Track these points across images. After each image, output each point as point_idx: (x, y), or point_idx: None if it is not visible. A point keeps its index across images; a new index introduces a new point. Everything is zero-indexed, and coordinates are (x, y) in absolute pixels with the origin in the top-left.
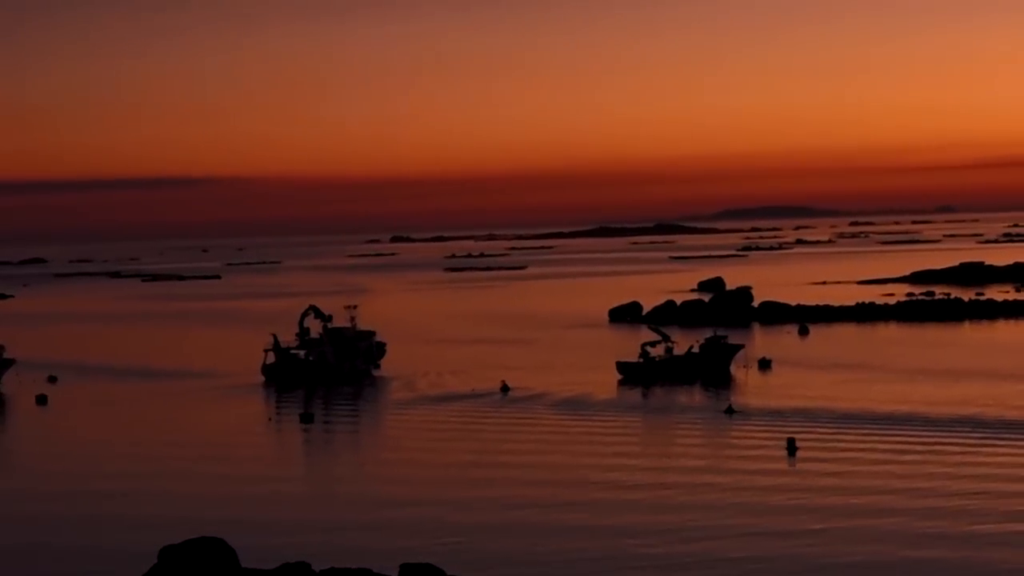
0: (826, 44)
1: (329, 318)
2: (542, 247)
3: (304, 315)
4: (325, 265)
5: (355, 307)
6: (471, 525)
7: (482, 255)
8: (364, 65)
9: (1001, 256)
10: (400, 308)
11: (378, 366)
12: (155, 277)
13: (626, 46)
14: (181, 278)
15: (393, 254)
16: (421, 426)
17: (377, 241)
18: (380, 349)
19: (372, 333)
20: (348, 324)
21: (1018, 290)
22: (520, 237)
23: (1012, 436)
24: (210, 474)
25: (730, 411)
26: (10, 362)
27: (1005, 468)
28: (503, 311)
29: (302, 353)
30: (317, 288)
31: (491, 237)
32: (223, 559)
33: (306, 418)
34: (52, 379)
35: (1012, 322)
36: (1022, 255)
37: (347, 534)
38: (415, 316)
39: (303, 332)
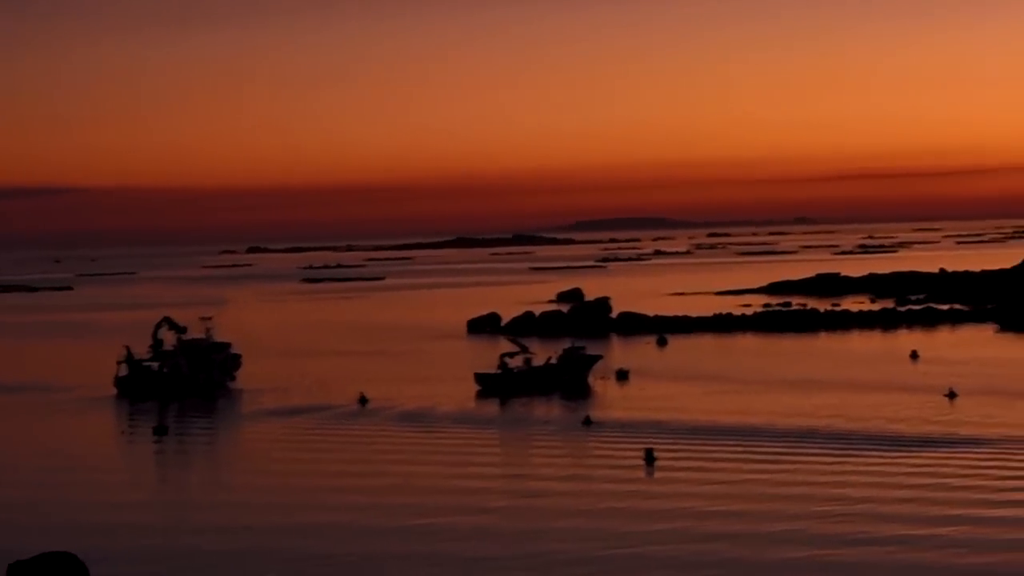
0: (682, 57)
1: (184, 330)
2: (400, 258)
3: (158, 327)
4: (180, 276)
5: (210, 318)
6: (321, 545)
7: (339, 266)
8: (221, 76)
9: (856, 267)
10: (256, 319)
11: (234, 378)
12: (3, 288)
13: (482, 59)
14: (31, 289)
15: (249, 265)
16: (276, 439)
17: (233, 252)
18: (236, 361)
19: (228, 345)
20: (203, 336)
21: (873, 301)
22: (378, 248)
23: (865, 447)
24: (60, 486)
25: (588, 422)
26: None
27: (859, 476)
28: (361, 322)
29: (156, 365)
30: (172, 299)
31: (349, 248)
32: (74, 574)
33: (159, 431)
34: None
35: (866, 332)
36: (877, 266)
37: (201, 548)
38: (272, 327)
39: (157, 344)
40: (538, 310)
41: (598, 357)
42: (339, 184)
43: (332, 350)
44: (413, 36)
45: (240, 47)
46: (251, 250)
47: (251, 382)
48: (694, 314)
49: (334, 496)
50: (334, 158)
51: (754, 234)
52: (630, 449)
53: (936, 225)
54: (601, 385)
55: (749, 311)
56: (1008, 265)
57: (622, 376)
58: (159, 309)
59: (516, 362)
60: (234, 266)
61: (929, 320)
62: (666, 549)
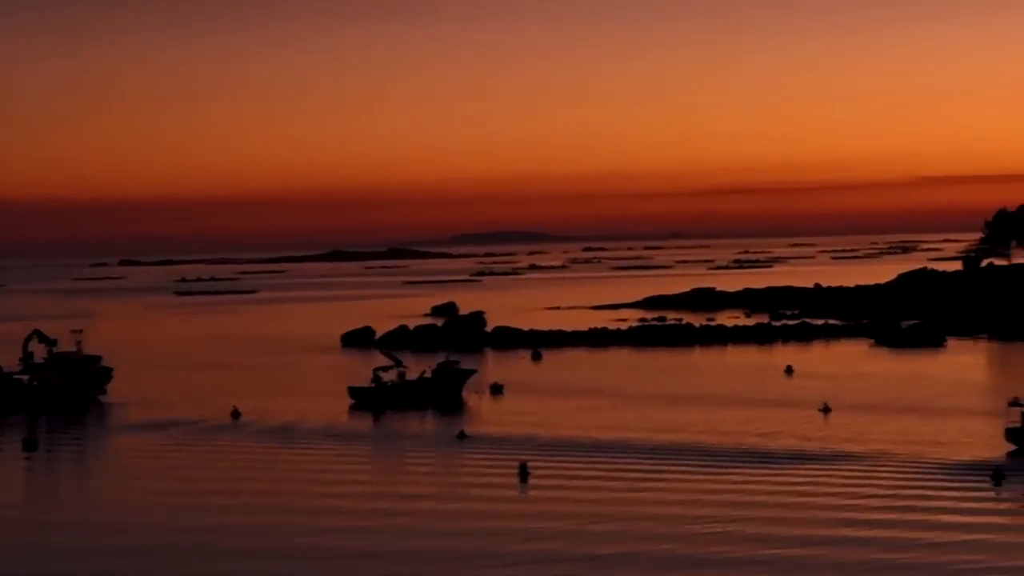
0: (557, 71)
1: (54, 342)
2: (274, 271)
3: (28, 339)
4: (50, 289)
5: (81, 331)
6: (188, 567)
7: (212, 279)
8: (92, 89)
9: (731, 282)
10: (129, 332)
11: (104, 391)
12: None
13: (357, 72)
14: None
15: (121, 278)
16: (147, 454)
17: (105, 264)
18: (107, 374)
19: (99, 358)
20: (74, 349)
21: (748, 316)
22: (251, 261)
23: (740, 463)
24: None
25: (462, 436)
26: None
27: (732, 494)
28: (234, 335)
29: (25, 378)
30: (42, 312)
31: (222, 261)
32: None
33: (29, 444)
34: None
35: (741, 347)
36: (752, 281)
37: (67, 564)
38: (144, 340)
39: (27, 357)
40: (412, 324)
41: (472, 371)
42: (212, 197)
43: (205, 363)
44: (286, 49)
45: (110, 60)
46: (123, 263)
47: (122, 396)
48: (569, 328)
49: (201, 516)
50: (207, 171)
51: (629, 248)
52: (504, 464)
53: (811, 240)
54: (475, 399)
55: (624, 326)
56: (882, 280)
57: (496, 390)
58: (29, 322)
59: (390, 376)
60: (106, 279)
61: (804, 335)
62: (538, 570)
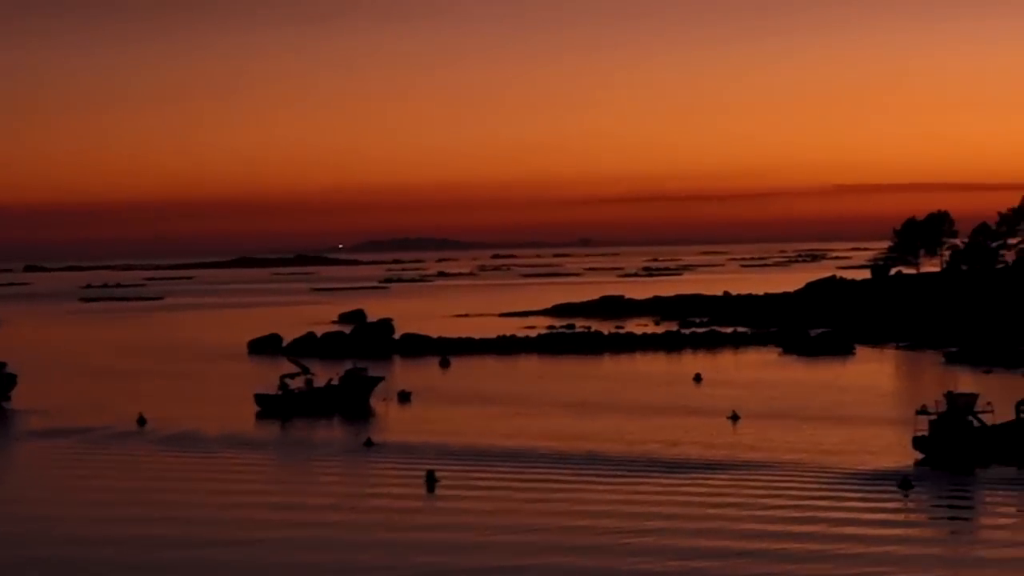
0: (466, 79)
1: None
2: (181, 277)
3: None
4: None
5: None
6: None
7: (119, 285)
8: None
9: (641, 290)
10: (33, 339)
11: (8, 398)
12: None
13: (266, 78)
14: None
15: (26, 284)
16: (50, 462)
17: (9, 271)
18: (10, 380)
19: (3, 364)
20: None
21: (657, 324)
22: (157, 267)
23: (647, 471)
24: None
25: (369, 444)
26: None
27: (639, 504)
28: (141, 342)
29: None
30: None
31: (128, 267)
32: None
33: None
34: None
35: (650, 355)
36: (661, 289)
37: None
38: (49, 347)
39: None
40: (320, 331)
41: (380, 379)
42: (119, 203)
43: (111, 370)
44: (186, 56)
45: (7, 66)
46: (28, 268)
47: (26, 402)
48: (478, 336)
49: (98, 527)
50: (114, 177)
51: (538, 256)
52: (411, 472)
53: (721, 248)
54: (383, 407)
55: (533, 333)
56: (791, 289)
57: (404, 398)
58: None
59: (297, 383)
60: (10, 284)
61: (713, 343)
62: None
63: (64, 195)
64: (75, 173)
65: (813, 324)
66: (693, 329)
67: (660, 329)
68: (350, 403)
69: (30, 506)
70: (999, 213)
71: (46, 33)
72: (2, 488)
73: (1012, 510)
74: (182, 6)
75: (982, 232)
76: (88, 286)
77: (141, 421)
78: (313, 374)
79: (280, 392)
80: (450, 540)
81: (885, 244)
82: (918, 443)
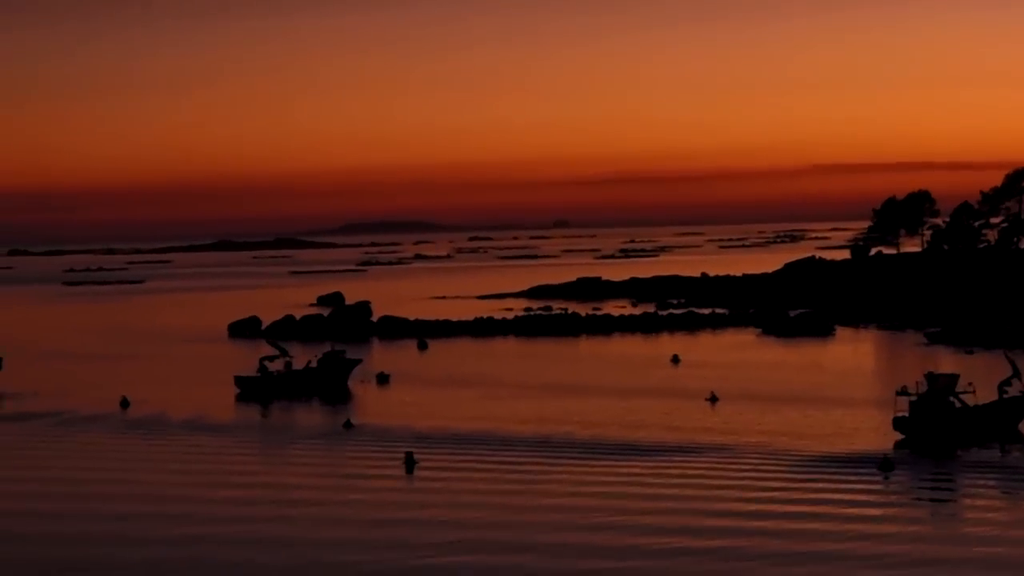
0: (440, 60)
1: None
2: (161, 261)
3: None
4: None
5: None
6: (76, 548)
7: (100, 269)
8: None
9: (618, 272)
10: (17, 322)
11: None
12: None
13: (243, 63)
14: None
15: (9, 268)
16: (33, 444)
17: None
18: None
19: None
20: None
21: (634, 305)
22: (138, 251)
23: (625, 453)
24: None
25: (348, 425)
26: None
27: (619, 485)
28: (122, 325)
29: None
30: None
31: (110, 251)
32: None
33: None
34: None
35: (628, 337)
36: (638, 270)
37: None
38: (33, 330)
39: None
40: (299, 314)
41: (358, 361)
42: (100, 187)
43: (94, 353)
44: (175, 42)
45: (2, 52)
46: (12, 252)
47: (10, 385)
48: (455, 318)
49: (91, 503)
50: (95, 162)
51: (515, 238)
52: (390, 454)
53: (698, 229)
54: (361, 389)
55: (510, 315)
56: (769, 269)
57: (383, 380)
58: None
59: (276, 365)
60: None
61: (690, 324)
62: (433, 560)
63: (47, 180)
64: (57, 158)
65: (792, 305)
66: (671, 311)
67: (637, 311)
68: (329, 385)
69: (27, 484)
70: (981, 192)
71: (26, 20)
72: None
73: (993, 491)
74: None
75: (964, 212)
76: (70, 270)
77: (124, 403)
78: (292, 356)
79: (260, 374)
80: (428, 518)
81: (865, 224)
82: (898, 424)
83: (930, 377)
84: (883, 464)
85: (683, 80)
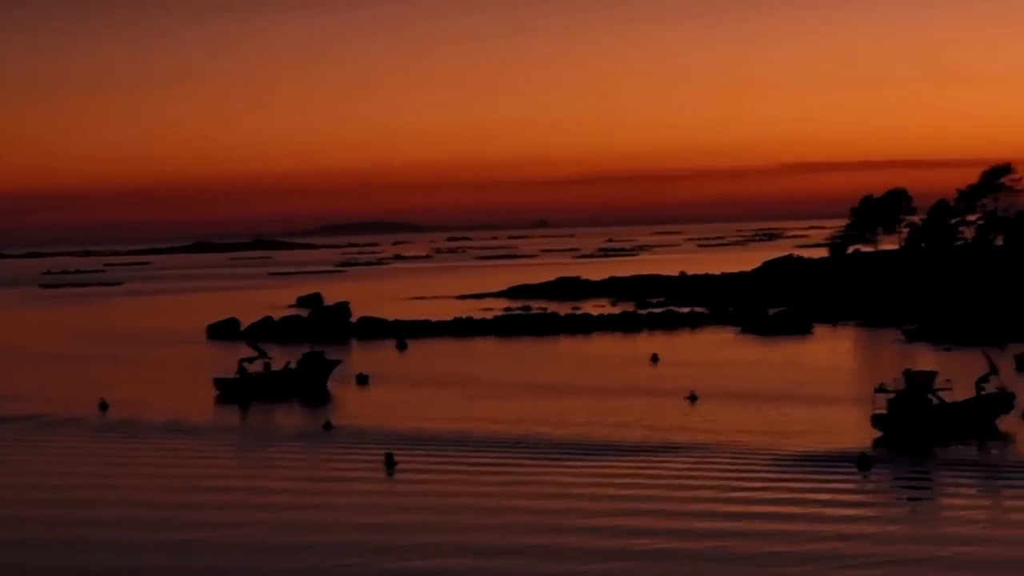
0: (415, 60)
1: None
2: (138, 263)
3: None
4: None
5: None
6: (53, 555)
7: (78, 271)
8: None
9: (597, 271)
10: None
11: None
12: None
13: (222, 63)
14: None
15: None
16: (9, 450)
17: None
18: None
19: None
20: None
21: (613, 304)
22: (116, 253)
23: (606, 454)
24: None
25: (328, 427)
26: None
27: (598, 487)
28: (101, 328)
29: None
30: None
31: (87, 253)
32: None
33: None
34: None
35: (607, 336)
36: (617, 270)
37: None
38: (10, 333)
39: None
40: (277, 315)
41: (337, 362)
42: (77, 189)
43: (72, 356)
44: (151, 43)
45: None
46: None
47: None
48: (434, 318)
49: (68, 509)
50: (72, 163)
51: (494, 238)
52: (370, 455)
53: (677, 228)
54: (341, 390)
55: (489, 315)
56: (748, 268)
57: (362, 380)
58: None
59: (255, 367)
60: None
61: (670, 323)
62: (414, 563)
63: (24, 182)
64: (34, 160)
65: (771, 303)
66: (650, 310)
67: (617, 310)
68: (308, 386)
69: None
70: (957, 190)
71: (1, 21)
72: None
73: (971, 489)
74: None
75: (940, 209)
76: (48, 272)
77: (103, 406)
78: (271, 358)
79: (239, 376)
80: (408, 521)
81: (843, 222)
82: (877, 421)
83: (908, 374)
84: (861, 462)
85: (660, 80)
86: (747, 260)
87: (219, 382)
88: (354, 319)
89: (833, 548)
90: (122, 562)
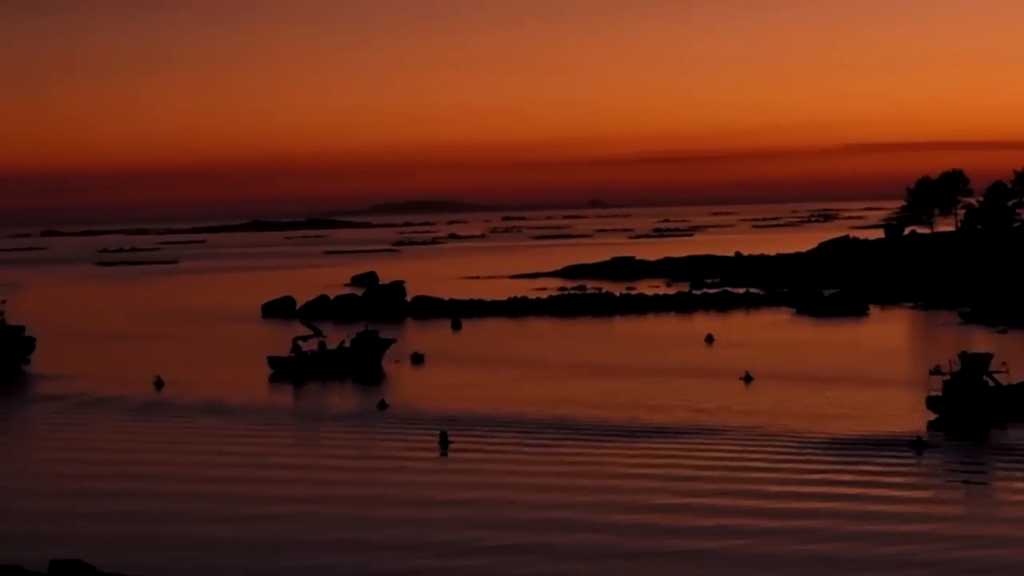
0: (475, 41)
1: None
2: (194, 241)
3: None
4: None
5: (4, 302)
6: (117, 526)
7: (134, 249)
8: (9, 62)
9: (651, 251)
10: (52, 303)
11: (27, 361)
12: None
13: (277, 42)
14: None
15: (43, 248)
16: (71, 424)
17: (27, 235)
18: (29, 344)
19: (21, 328)
20: None
21: (668, 285)
22: (171, 231)
23: (662, 436)
24: None
25: (383, 405)
26: None
27: (655, 467)
28: (156, 306)
29: None
30: None
31: (143, 231)
32: None
33: None
34: None
35: (662, 316)
36: (672, 250)
37: None
38: (67, 311)
39: None
40: (333, 294)
41: (391, 341)
42: (134, 167)
43: (127, 334)
44: (210, 22)
45: (28, 33)
46: (46, 233)
47: (45, 366)
48: (489, 298)
49: (125, 482)
50: (129, 142)
51: (549, 218)
52: (425, 433)
53: (732, 209)
54: (395, 369)
55: (544, 295)
56: (804, 249)
57: (417, 359)
58: None
59: (310, 345)
60: (28, 249)
61: (724, 304)
62: (472, 535)
63: (81, 161)
64: (92, 139)
65: (826, 284)
66: (705, 290)
67: (671, 290)
68: (362, 365)
69: (64, 466)
70: (1015, 171)
71: (62, 1)
72: (32, 451)
73: None
74: None
75: (997, 191)
76: (104, 250)
77: (158, 384)
78: (326, 336)
79: (293, 354)
80: (463, 498)
81: (899, 203)
82: (932, 404)
83: (964, 357)
84: (916, 444)
85: (717, 59)
86: (803, 241)
87: (273, 360)
88: (409, 298)
89: (889, 528)
90: (180, 533)
